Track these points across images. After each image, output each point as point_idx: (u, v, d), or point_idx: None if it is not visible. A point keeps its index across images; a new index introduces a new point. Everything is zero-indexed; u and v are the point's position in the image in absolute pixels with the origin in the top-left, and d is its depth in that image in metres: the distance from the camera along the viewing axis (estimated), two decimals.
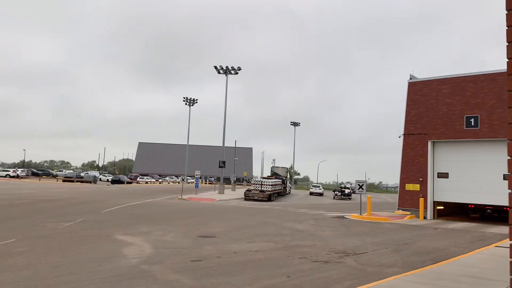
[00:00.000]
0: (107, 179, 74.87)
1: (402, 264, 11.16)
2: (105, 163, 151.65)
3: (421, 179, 25.59)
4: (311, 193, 65.14)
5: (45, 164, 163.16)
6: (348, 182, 73.71)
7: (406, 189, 26.15)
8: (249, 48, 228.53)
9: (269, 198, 42.22)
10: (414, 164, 25.99)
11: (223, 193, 50.06)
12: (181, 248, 12.08)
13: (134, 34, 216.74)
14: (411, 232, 19.05)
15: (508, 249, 3.37)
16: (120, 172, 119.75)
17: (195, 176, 48.72)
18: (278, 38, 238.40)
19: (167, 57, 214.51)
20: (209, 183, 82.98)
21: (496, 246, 14.26)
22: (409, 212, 25.94)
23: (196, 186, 47.16)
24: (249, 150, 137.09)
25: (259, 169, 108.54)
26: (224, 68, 53.28)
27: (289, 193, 64.21)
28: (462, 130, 24.33)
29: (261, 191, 42.98)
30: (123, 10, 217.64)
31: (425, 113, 25.86)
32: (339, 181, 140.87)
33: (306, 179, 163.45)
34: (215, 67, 53.47)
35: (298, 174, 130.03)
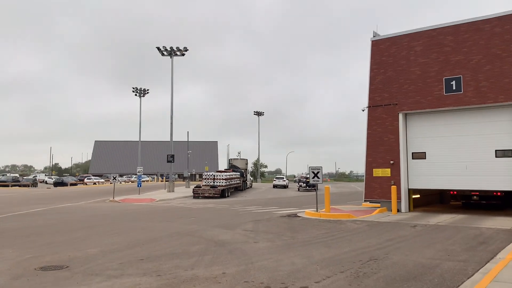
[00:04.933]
0: (51, 182, 67.57)
1: None
2: (71, 165, 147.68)
3: (392, 161, 20.22)
4: (274, 186, 59.68)
5: (6, 169, 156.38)
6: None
7: (374, 175, 20.74)
8: (219, 55, 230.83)
9: (222, 194, 36.56)
10: (382, 143, 20.58)
11: (173, 191, 43.91)
12: None
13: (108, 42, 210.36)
14: (381, 235, 13.54)
15: None
16: (83, 173, 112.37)
17: (137, 174, 42.42)
18: (244, 49, 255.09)
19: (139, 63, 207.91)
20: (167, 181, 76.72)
21: None
22: (378, 205, 20.56)
23: (139, 185, 41.09)
24: (214, 144, 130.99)
25: (225, 164, 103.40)
26: (169, 49, 46.88)
27: (251, 186, 58.61)
28: (441, 97, 19.06)
29: (212, 186, 37.27)
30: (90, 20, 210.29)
31: (394, 78, 20.46)
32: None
33: (278, 171, 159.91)
34: (158, 48, 47.01)
35: (265, 166, 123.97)
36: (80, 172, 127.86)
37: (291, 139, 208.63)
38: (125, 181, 76.41)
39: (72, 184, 63.78)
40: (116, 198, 33.31)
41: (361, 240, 12.52)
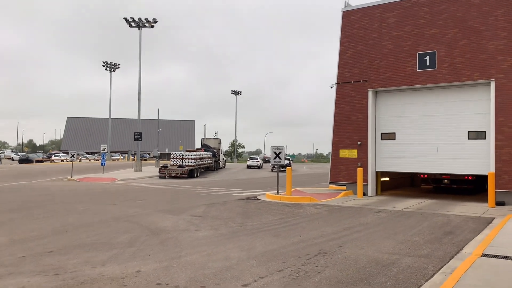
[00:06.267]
0: (15, 158, 64.72)
1: None
2: (45, 142, 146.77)
3: (359, 142, 18.94)
4: (248, 166, 58.39)
5: None
6: (286, 154, 67.12)
7: (340, 156, 19.44)
8: (202, 36, 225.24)
9: (190, 174, 35.05)
10: (350, 123, 19.24)
11: (140, 171, 42.13)
12: None
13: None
14: (340, 221, 12.26)
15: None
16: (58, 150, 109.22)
17: (101, 152, 40.47)
18: (226, 31, 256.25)
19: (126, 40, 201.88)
20: (143, 160, 74.66)
21: (483, 256, 7.60)
22: (344, 187, 19.36)
23: (103, 163, 39.13)
24: (191, 123, 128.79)
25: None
26: (137, 20, 44.35)
27: (224, 167, 57.11)
28: (413, 73, 17.72)
29: (180, 166, 35.66)
30: None
31: (365, 52, 19.00)
32: (289, 153, 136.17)
33: (258, 152, 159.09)
34: (126, 19, 44.44)
35: (243, 146, 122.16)
36: (55, 149, 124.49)
37: (272, 121, 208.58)
38: (94, 159, 73.93)
39: (38, 161, 61.16)
40: (76, 177, 31.49)
41: (316, 228, 11.21)
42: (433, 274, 6.89)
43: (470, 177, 19.06)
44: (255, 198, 17.86)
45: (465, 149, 17.08)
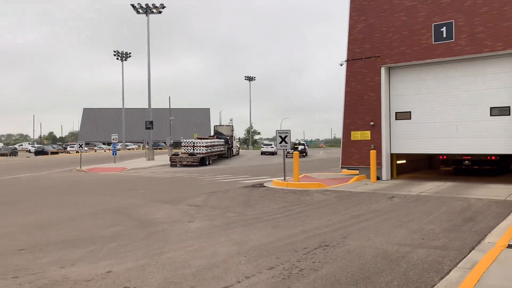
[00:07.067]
0: (32, 150, 65.35)
1: None
2: (65, 134, 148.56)
3: (372, 123, 17.70)
4: (262, 153, 57.51)
5: (2, 138, 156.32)
6: (302, 139, 65.20)
7: (352, 138, 18.26)
8: (217, 27, 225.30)
9: (201, 162, 34.42)
10: (362, 103, 17.99)
11: (153, 159, 41.81)
12: None
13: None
14: (348, 209, 11.22)
15: None
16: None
17: (112, 142, 40.06)
18: (240, 18, 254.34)
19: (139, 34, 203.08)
20: (158, 149, 74.86)
21: (509, 247, 6.49)
22: (357, 171, 18.22)
23: (114, 153, 38.74)
24: (206, 111, 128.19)
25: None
26: (144, 6, 43.48)
27: (237, 154, 56.38)
28: (429, 46, 16.34)
29: (191, 154, 35.01)
30: None
31: (377, 26, 17.64)
32: (305, 139, 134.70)
33: (274, 138, 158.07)
34: (133, 6, 43.62)
35: (258, 133, 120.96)
36: (74, 140, 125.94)
37: (289, 107, 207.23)
38: (109, 149, 74.12)
39: (53, 153, 61.55)
40: (86, 167, 31.11)
41: (321, 216, 10.21)
42: (450, 270, 5.84)
43: (493, 157, 17.72)
44: (261, 185, 16.90)
45: (488, 127, 15.72)
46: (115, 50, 69.49)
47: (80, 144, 31.23)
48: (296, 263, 6.39)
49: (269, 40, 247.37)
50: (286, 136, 16.35)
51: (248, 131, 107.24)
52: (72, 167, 33.28)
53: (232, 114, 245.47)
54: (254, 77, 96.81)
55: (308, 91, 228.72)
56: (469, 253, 6.66)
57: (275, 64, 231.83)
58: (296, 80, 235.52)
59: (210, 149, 38.28)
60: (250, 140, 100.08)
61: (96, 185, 19.27)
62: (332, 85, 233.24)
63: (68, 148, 67.01)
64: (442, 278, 5.55)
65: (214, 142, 41.12)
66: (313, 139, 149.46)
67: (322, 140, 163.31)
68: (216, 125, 55.41)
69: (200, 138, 42.04)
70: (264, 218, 10.10)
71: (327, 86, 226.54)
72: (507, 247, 6.40)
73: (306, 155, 52.68)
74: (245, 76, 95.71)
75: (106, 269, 6.23)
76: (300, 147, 51.75)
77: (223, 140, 45.47)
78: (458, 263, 6.15)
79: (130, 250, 7.34)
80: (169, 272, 6.03)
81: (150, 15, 43.97)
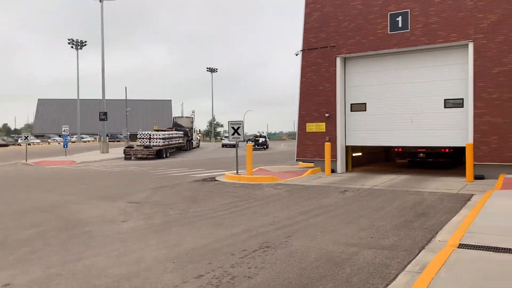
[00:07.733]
0: None
1: None
2: (22, 125, 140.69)
3: (327, 114, 17.22)
4: (223, 145, 56.56)
5: None
6: (263, 132, 64.98)
7: (307, 130, 17.73)
8: (182, 20, 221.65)
9: (158, 155, 33.13)
10: (317, 93, 17.47)
11: (107, 152, 39.97)
12: None
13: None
14: (298, 204, 10.61)
15: None
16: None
17: (63, 134, 38.00)
18: (203, 12, 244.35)
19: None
20: (115, 141, 72.42)
21: (460, 246, 5.99)
22: (312, 164, 17.73)
23: (65, 145, 36.71)
24: (168, 102, 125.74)
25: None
26: None
27: (198, 146, 55.08)
28: (385, 36, 15.96)
29: (146, 146, 33.69)
30: None
31: (333, 14, 17.11)
32: (269, 131, 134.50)
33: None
34: None
35: (221, 125, 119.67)
36: (30, 132, 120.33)
37: (253, 100, 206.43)
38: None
39: (1, 146, 58.16)
40: (33, 161, 29.24)
41: (269, 212, 9.53)
42: (397, 275, 5.28)
43: (447, 150, 17.66)
44: (212, 179, 16.10)
45: (442, 119, 15.56)
46: (69, 38, 66.39)
47: (26, 136, 29.34)
48: (229, 269, 5.65)
49: (235, 34, 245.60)
50: (239, 128, 15.59)
51: (210, 123, 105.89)
52: (18, 160, 31.23)
53: (196, 107, 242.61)
54: (216, 69, 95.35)
55: (273, 84, 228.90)
56: (418, 253, 6.16)
57: (240, 57, 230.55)
58: (261, 74, 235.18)
59: (168, 142, 37.04)
60: (213, 132, 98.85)
61: (36, 180, 17.87)
62: (297, 78, 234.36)
63: (19, 141, 63.53)
64: (387, 285, 4.97)
65: (172, 134, 39.85)
66: (277, 132, 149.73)
67: (286, 133, 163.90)
68: (176, 117, 53.90)
69: (158, 130, 40.67)
70: (208, 216, 9.32)
71: (291, 79, 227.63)
72: (458, 247, 5.91)
73: (267, 147, 52.26)
74: (207, 68, 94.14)
75: (4, 282, 5.29)
76: (261, 140, 51.32)
77: (182, 132, 44.20)
78: (406, 266, 5.61)
79: (43, 257, 6.39)
80: (78, 284, 5.16)
81: (104, 1, 41.89)
